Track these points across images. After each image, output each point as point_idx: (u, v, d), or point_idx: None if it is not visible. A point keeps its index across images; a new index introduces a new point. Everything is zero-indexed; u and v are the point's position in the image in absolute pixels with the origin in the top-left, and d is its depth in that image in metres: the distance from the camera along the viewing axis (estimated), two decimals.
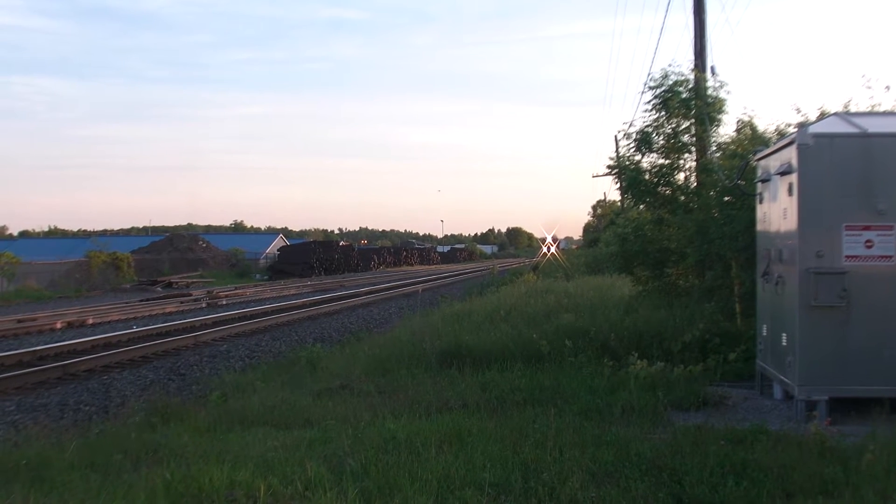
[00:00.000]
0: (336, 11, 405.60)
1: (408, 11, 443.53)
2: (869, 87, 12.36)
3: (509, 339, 11.99)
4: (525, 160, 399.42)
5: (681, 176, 15.11)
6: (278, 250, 72.28)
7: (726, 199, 12.87)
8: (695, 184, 14.80)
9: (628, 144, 15.33)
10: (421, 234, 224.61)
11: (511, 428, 7.41)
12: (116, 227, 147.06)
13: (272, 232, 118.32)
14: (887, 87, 11.96)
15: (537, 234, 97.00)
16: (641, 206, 16.34)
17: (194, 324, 22.00)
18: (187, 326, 21.39)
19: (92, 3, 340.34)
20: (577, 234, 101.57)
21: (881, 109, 11.76)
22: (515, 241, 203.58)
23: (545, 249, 66.00)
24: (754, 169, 10.21)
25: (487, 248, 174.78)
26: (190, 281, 48.48)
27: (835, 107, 12.11)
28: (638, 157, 15.21)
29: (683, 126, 14.72)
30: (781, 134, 12.57)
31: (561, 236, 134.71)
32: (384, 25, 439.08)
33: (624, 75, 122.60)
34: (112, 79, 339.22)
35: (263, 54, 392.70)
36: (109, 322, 23.85)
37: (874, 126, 8.28)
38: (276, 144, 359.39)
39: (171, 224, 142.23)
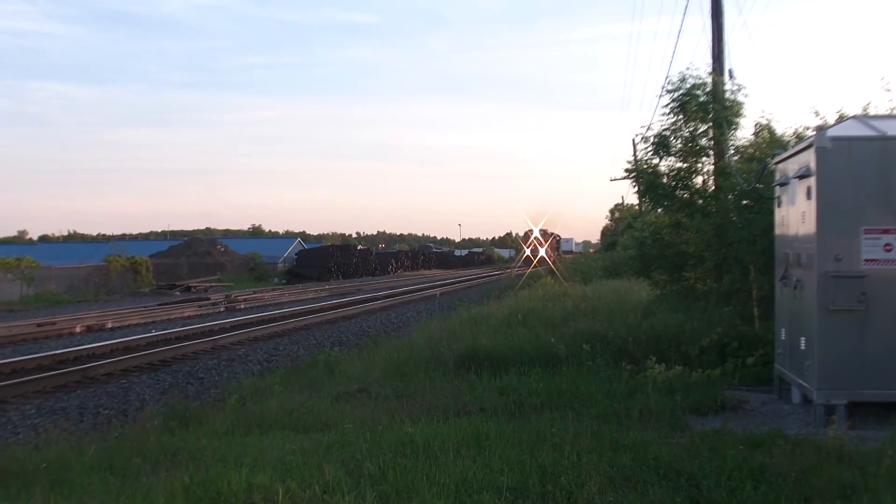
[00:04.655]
0: (351, 15, 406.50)
1: (423, 15, 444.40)
2: (888, 90, 12.28)
3: (527, 343, 11.98)
4: (543, 164, 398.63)
5: (699, 179, 15.07)
6: (296, 254, 72.53)
7: (744, 202, 12.85)
8: (713, 187, 14.74)
9: (646, 148, 15.31)
10: (439, 238, 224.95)
11: (529, 432, 7.40)
12: (135, 232, 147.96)
13: (290, 236, 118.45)
14: None
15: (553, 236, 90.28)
16: (659, 210, 16.32)
17: (213, 328, 22.10)
18: (206, 330, 21.48)
19: (108, 9, 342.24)
20: (595, 237, 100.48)
21: None
22: None
23: (528, 251, 56.32)
24: (772, 172, 10.17)
25: (505, 252, 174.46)
26: (208, 285, 48.70)
27: (853, 110, 12.07)
28: (656, 161, 15.18)
29: (701, 129, 14.67)
30: (800, 137, 12.53)
31: (579, 238, 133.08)
32: (399, 29, 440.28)
33: (641, 79, 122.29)
34: (129, 83, 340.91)
35: (280, 58, 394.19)
36: (128, 326, 23.98)
37: (893, 129, 8.23)
38: (293, 148, 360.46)
39: (190, 228, 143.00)
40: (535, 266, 46.53)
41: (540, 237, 57.19)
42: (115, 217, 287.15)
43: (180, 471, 6.25)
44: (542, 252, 51.25)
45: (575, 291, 21.71)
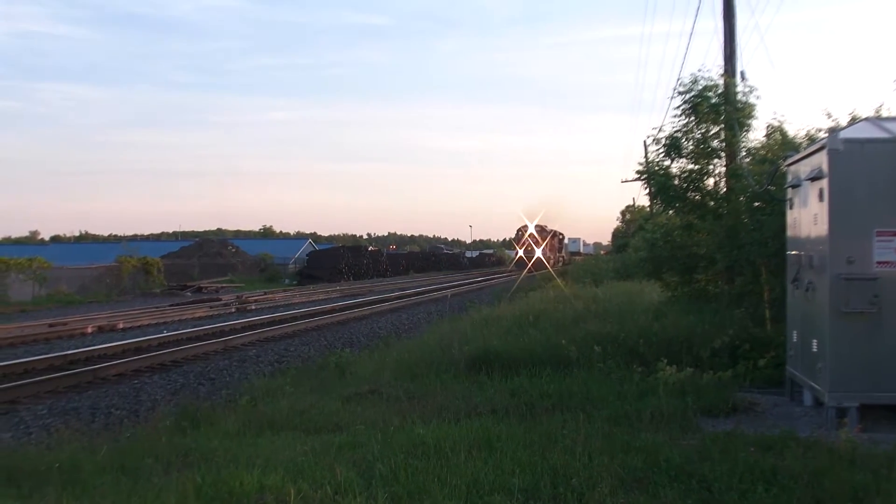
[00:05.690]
0: (361, 17, 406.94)
1: (433, 17, 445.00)
2: None
3: (538, 345, 11.97)
4: (554, 165, 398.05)
5: (710, 181, 15.04)
6: (307, 255, 72.55)
7: (756, 204, 12.82)
8: (724, 189, 14.71)
9: (657, 150, 15.28)
10: (450, 239, 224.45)
11: (540, 433, 7.40)
12: (146, 232, 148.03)
13: (301, 237, 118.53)
14: None
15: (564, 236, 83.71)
16: (670, 212, 16.28)
17: (224, 328, 22.15)
18: (217, 331, 21.53)
19: (118, 11, 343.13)
20: (606, 239, 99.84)
21: None
22: None
23: (521, 252, 48.35)
24: (784, 174, 10.14)
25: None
26: (219, 286, 48.80)
27: (866, 111, 12.02)
28: (667, 163, 15.15)
29: (713, 131, 14.64)
30: (812, 139, 12.49)
31: (589, 239, 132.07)
32: (410, 31, 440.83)
33: (653, 80, 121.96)
34: (140, 85, 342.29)
35: (290, 60, 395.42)
36: (140, 326, 24.05)
37: None
38: (304, 149, 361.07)
39: (201, 229, 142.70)
40: (530, 269, 41.72)
41: (536, 234, 51.58)
42: (127, 218, 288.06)
43: (192, 471, 6.28)
44: (538, 252, 45.95)
45: (585, 293, 21.67)
